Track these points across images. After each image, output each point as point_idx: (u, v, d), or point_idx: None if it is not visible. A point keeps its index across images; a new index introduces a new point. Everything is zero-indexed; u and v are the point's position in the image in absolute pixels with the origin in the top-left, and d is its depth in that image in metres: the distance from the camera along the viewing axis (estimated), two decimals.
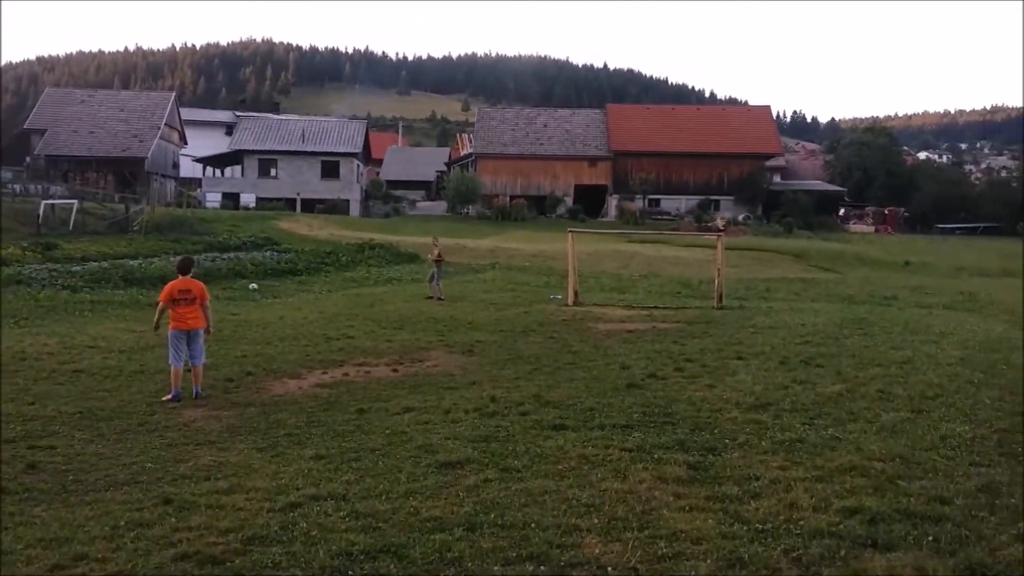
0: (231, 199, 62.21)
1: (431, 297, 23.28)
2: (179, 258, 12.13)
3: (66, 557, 5.37)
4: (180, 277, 11.18)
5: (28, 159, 60.54)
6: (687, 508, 6.10)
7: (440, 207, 69.06)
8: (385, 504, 6.28)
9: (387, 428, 8.85)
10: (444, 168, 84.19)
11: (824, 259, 44.45)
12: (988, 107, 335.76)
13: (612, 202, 67.42)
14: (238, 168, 67.37)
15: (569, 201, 66.98)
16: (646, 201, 67.40)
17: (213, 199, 62.36)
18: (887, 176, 77.66)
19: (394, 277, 30.76)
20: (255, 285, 26.39)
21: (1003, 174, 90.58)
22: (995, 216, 71.84)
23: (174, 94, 76.56)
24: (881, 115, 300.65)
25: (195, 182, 68.61)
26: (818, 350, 13.71)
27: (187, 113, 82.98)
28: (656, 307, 22.04)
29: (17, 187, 48.35)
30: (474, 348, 14.74)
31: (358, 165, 67.64)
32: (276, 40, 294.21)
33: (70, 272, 24.95)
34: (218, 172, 70.45)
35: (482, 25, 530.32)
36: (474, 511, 6.07)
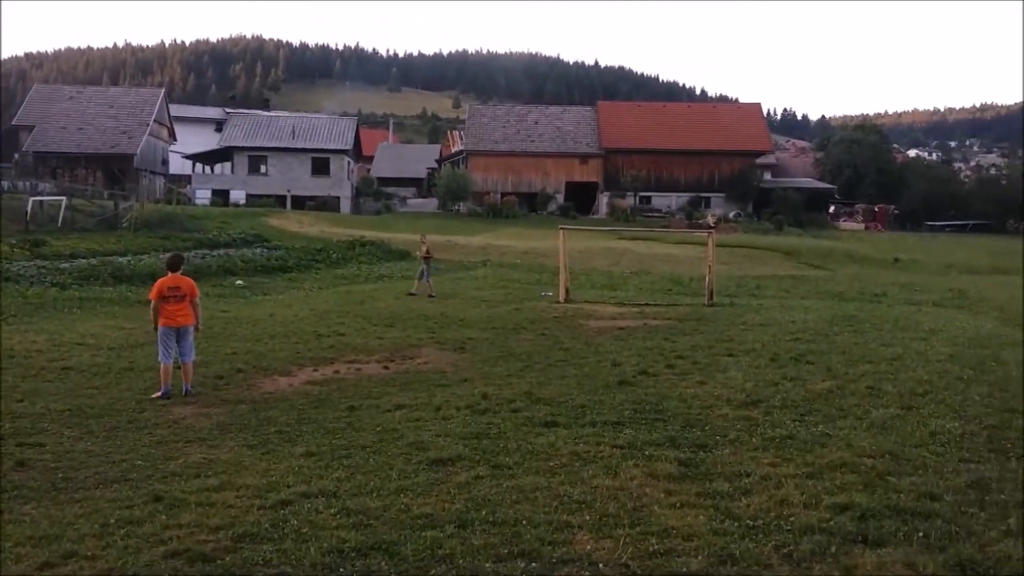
0: (221, 196, 61.97)
1: (412, 293, 23.27)
2: (169, 255, 12.08)
3: (56, 555, 5.34)
4: (170, 274, 11.12)
5: (16, 156, 60.16)
6: (678, 505, 6.10)
7: (431, 204, 69.00)
8: (376, 501, 6.27)
9: (378, 425, 8.84)
10: (435, 165, 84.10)
11: (814, 256, 44.59)
12: (978, 105, 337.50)
13: (603, 199, 67.49)
14: (228, 165, 67.13)
15: (560, 198, 67.01)
16: (637, 198, 67.51)
17: (203, 196, 62.10)
18: (877, 174, 77.99)
19: (385, 274, 30.72)
20: (241, 281, 26.31)
21: (992, 172, 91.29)
22: (984, 214, 72.21)
23: (163, 90, 76.20)
24: (871, 113, 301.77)
25: (185, 179, 68.32)
26: (808, 347, 13.74)
27: (176, 110, 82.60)
28: (647, 304, 22.07)
29: (5, 184, 47.96)
30: (465, 345, 14.74)
31: (349, 162, 67.52)
32: (266, 36, 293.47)
33: (59, 269, 24.83)
34: (208, 169, 70.16)
35: (473, 22, 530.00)
36: (465, 508, 6.07)
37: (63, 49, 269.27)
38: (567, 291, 22.83)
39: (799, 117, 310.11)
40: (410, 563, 5.14)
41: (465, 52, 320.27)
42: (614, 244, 43.38)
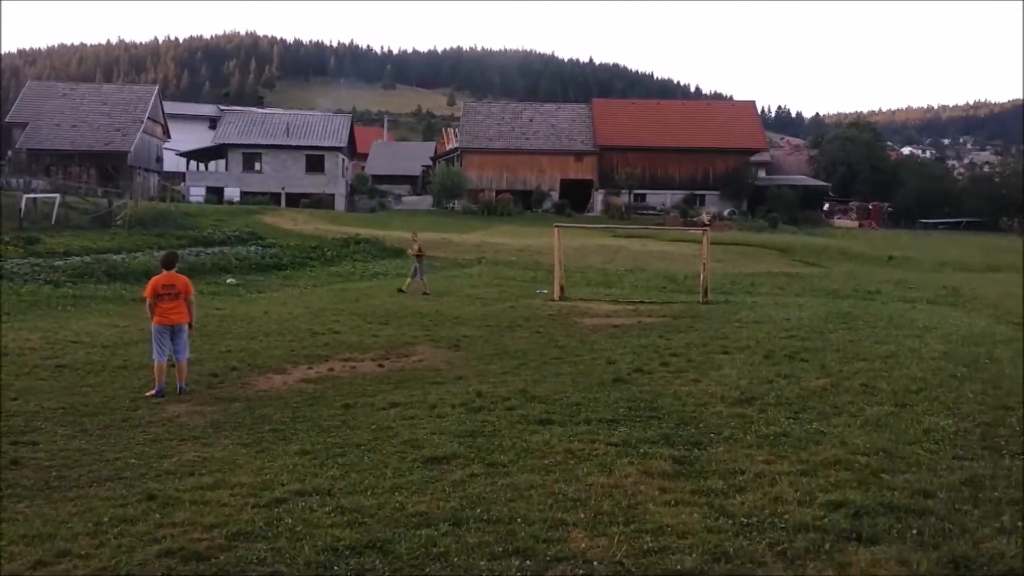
0: (215, 193, 61.81)
1: (402, 291, 23.24)
2: (163, 253, 12.06)
3: (49, 553, 5.33)
4: (164, 272, 11.10)
5: (10, 153, 59.95)
6: (672, 502, 6.11)
7: (426, 202, 68.95)
8: (370, 499, 6.27)
9: (373, 423, 8.83)
10: (430, 163, 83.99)
11: (808, 254, 44.64)
12: (971, 103, 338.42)
13: (598, 197, 67.46)
14: (222, 162, 66.98)
15: (555, 196, 66.95)
16: (632, 196, 67.51)
17: (197, 193, 61.91)
18: (871, 171, 78.16)
19: (380, 272, 30.69)
20: (232, 279, 26.25)
21: (985, 169, 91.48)
22: (978, 211, 72.45)
23: (157, 87, 75.99)
24: (865, 110, 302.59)
25: (179, 176, 68.11)
26: (803, 344, 13.77)
27: (170, 107, 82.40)
28: (642, 302, 22.09)
29: None
30: (460, 343, 14.73)
31: (343, 159, 67.40)
32: (260, 33, 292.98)
33: (52, 267, 24.76)
34: (202, 166, 70.02)
35: (467, 19, 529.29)
36: (460, 506, 6.07)
37: (56, 46, 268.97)
38: (562, 289, 22.84)
39: (793, 115, 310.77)
40: (404, 561, 5.14)
41: (460, 49, 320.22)
42: (609, 242, 43.40)
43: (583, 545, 5.35)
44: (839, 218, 72.68)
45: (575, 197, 66.33)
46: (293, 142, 65.47)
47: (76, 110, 63.58)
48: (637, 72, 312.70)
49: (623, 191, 66.96)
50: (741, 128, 71.18)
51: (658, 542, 5.35)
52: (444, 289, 24.56)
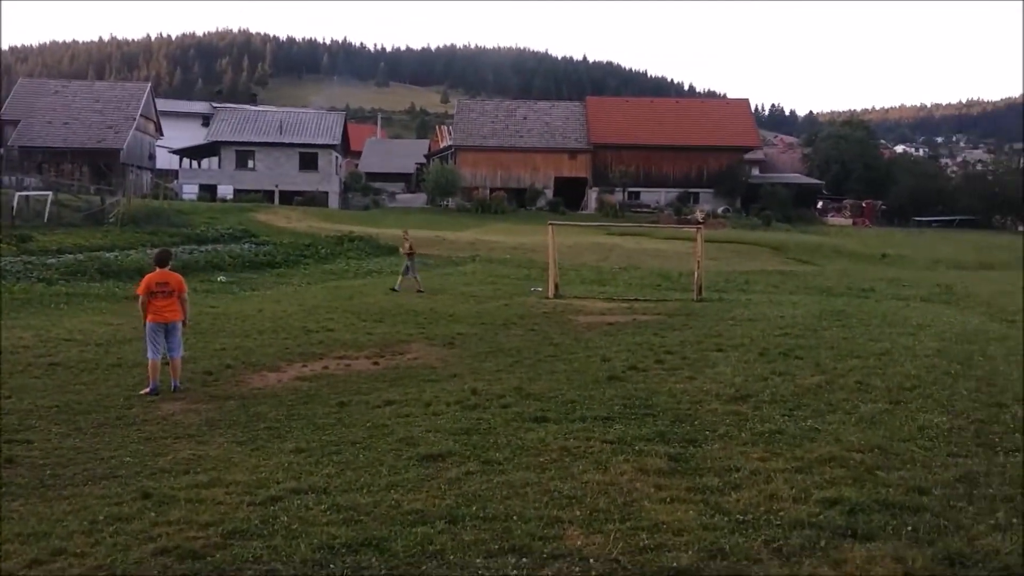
0: (208, 191, 61.72)
1: (395, 289, 23.19)
2: (157, 250, 12.00)
3: (44, 552, 5.31)
4: (157, 270, 11.06)
5: (1, 150, 59.73)
6: (668, 500, 6.11)
7: (420, 199, 68.88)
8: (366, 497, 6.26)
9: (368, 421, 8.82)
10: (423, 160, 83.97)
11: (802, 252, 44.73)
12: (964, 101, 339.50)
13: (592, 195, 67.53)
14: (215, 160, 66.83)
15: (549, 194, 67.00)
16: (626, 194, 67.58)
17: (190, 191, 61.82)
18: (864, 169, 78.21)
19: (374, 269, 30.66)
20: (223, 277, 26.17)
21: (979, 167, 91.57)
22: (971, 209, 72.56)
23: (149, 85, 75.79)
24: (859, 108, 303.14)
25: (171, 174, 67.96)
26: (797, 342, 13.80)
27: (163, 104, 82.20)
28: (636, 299, 22.11)
29: None
30: (455, 341, 14.72)
31: (337, 157, 67.32)
32: (253, 31, 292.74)
33: (45, 264, 24.67)
34: (195, 164, 69.84)
35: (461, 17, 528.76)
36: (456, 504, 6.06)
37: (48, 43, 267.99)
38: (556, 286, 22.85)
39: (787, 113, 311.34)
40: (400, 559, 5.14)
41: (453, 47, 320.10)
42: (603, 239, 43.41)
43: (579, 542, 5.35)
44: (833, 216, 72.79)
45: (569, 195, 66.37)
46: (286, 140, 65.37)
47: (68, 107, 63.37)
48: (631, 70, 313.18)
49: (617, 189, 67.02)
50: (735, 126, 71.30)
51: (654, 539, 5.35)
52: (438, 287, 24.55)
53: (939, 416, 8.50)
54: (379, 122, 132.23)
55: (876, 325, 16.28)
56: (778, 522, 5.60)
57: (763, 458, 7.13)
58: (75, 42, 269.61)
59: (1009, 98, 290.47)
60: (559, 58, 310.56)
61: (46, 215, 35.02)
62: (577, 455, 7.32)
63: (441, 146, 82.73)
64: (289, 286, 25.17)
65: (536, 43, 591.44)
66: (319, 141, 65.81)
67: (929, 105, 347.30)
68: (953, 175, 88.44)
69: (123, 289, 21.12)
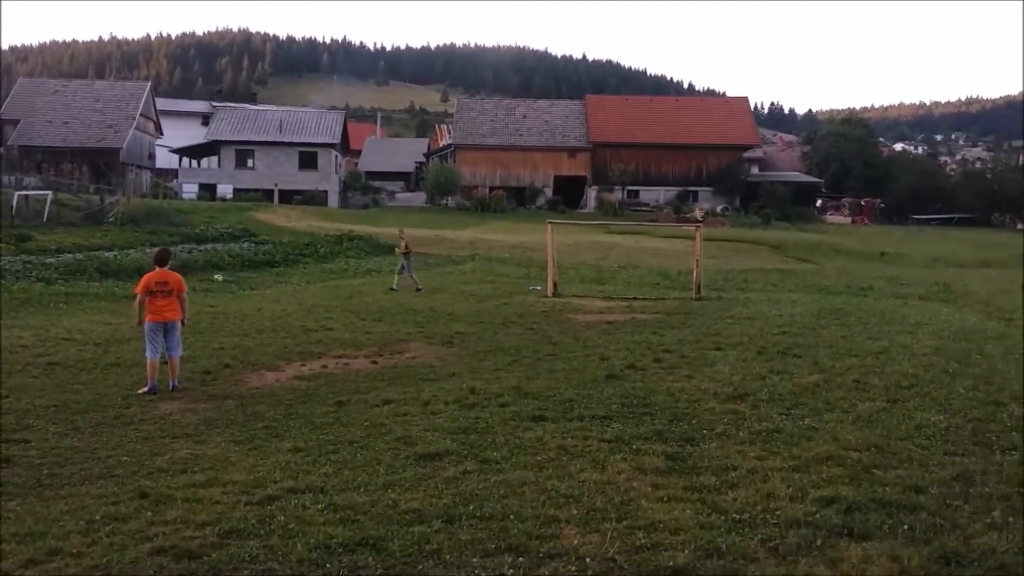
0: (208, 190, 61.66)
1: (394, 289, 23.17)
2: (156, 250, 12.00)
3: (40, 552, 5.31)
4: (157, 269, 11.07)
5: (1, 150, 59.70)
6: (665, 498, 6.12)
7: (419, 198, 68.83)
8: (363, 497, 6.26)
9: (366, 420, 8.82)
10: (423, 159, 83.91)
11: (801, 250, 44.71)
12: (963, 99, 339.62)
13: (591, 193, 67.50)
14: (215, 159, 66.75)
15: (549, 192, 66.97)
16: (625, 192, 67.55)
17: (189, 190, 61.74)
18: (864, 167, 78.17)
19: (373, 268, 30.66)
20: (219, 276, 26.15)
21: (978, 165, 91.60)
22: (970, 207, 72.56)
23: (149, 84, 75.60)
24: (858, 107, 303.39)
25: (171, 173, 67.89)
26: (795, 340, 13.80)
27: (163, 103, 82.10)
28: (635, 298, 22.11)
29: None
30: (454, 340, 14.73)
31: (336, 156, 67.27)
32: (253, 30, 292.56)
33: (44, 264, 24.66)
34: (194, 163, 69.78)
35: (461, 15, 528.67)
36: (453, 503, 6.06)
37: (48, 42, 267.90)
38: (555, 285, 22.85)
39: (786, 111, 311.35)
40: (397, 558, 5.14)
41: (453, 46, 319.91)
42: (602, 238, 43.40)
43: (576, 541, 5.35)
44: (832, 214, 72.77)
45: (568, 193, 66.33)
46: (286, 139, 65.31)
47: (68, 106, 63.30)
48: (630, 69, 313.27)
49: (616, 187, 66.98)
50: (734, 124, 71.24)
51: (651, 538, 5.35)
52: (437, 286, 24.55)
53: (936, 415, 8.50)
54: (379, 121, 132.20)
55: (874, 323, 16.28)
56: (775, 521, 5.60)
57: (760, 457, 7.13)
58: (75, 41, 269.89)
59: (1008, 96, 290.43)
60: (559, 57, 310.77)
61: (45, 214, 35.01)
62: (575, 454, 7.32)
63: (440, 145, 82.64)
64: (288, 285, 25.18)
65: (536, 42, 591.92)
66: (319, 140, 65.76)
67: (928, 103, 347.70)
68: (952, 173, 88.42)
69: (122, 288, 21.12)
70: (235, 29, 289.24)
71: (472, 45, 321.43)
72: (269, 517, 5.85)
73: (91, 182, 52.72)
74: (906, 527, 5.46)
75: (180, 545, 5.34)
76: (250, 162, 64.92)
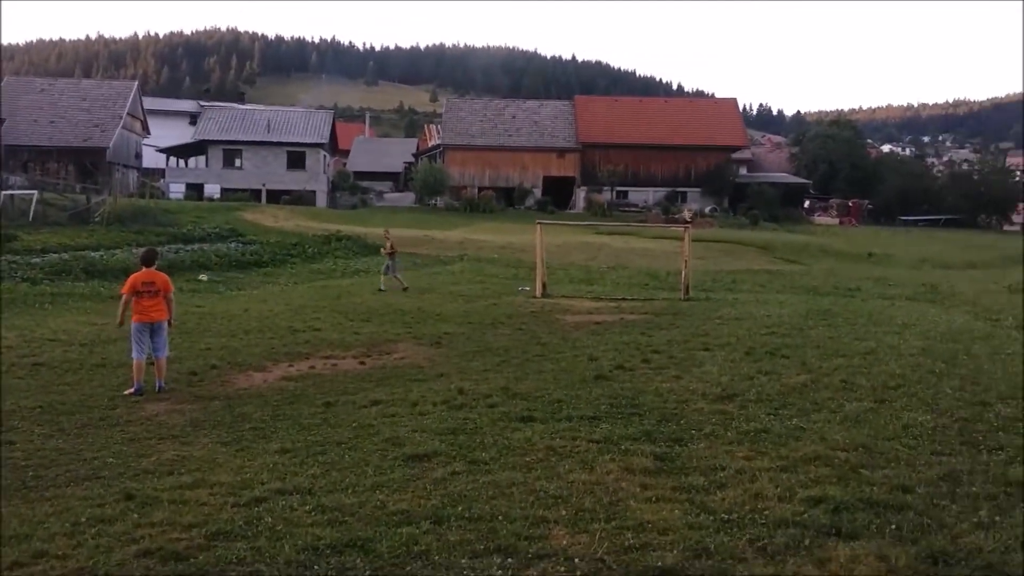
0: (195, 190, 61.40)
1: (382, 289, 23.12)
2: (143, 250, 11.94)
3: (25, 554, 5.27)
4: (144, 269, 11.01)
5: None
6: (654, 499, 6.12)
7: (408, 198, 68.74)
8: (351, 498, 6.24)
9: (354, 421, 8.80)
10: (412, 159, 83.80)
11: (789, 251, 44.84)
12: (951, 101, 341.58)
13: (580, 194, 67.55)
14: (202, 158, 66.46)
15: (538, 193, 66.99)
16: (614, 193, 67.62)
17: (177, 190, 61.47)
18: (851, 169, 78.49)
19: (361, 269, 30.58)
20: (204, 276, 26.02)
21: (965, 167, 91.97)
22: (957, 208, 72.93)
23: (137, 83, 75.21)
24: (846, 108, 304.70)
25: (158, 172, 67.60)
26: (783, 341, 13.84)
27: (150, 102, 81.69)
28: (624, 299, 22.13)
29: None
30: (442, 340, 14.70)
31: (325, 156, 67.11)
32: (241, 29, 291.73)
33: (30, 264, 24.49)
34: (182, 162, 69.44)
35: (450, 16, 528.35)
36: (441, 504, 6.05)
37: (34, 41, 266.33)
38: (544, 286, 22.85)
39: (774, 112, 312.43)
40: (385, 560, 5.12)
41: (442, 46, 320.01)
42: (591, 239, 43.42)
43: (564, 542, 5.35)
44: (819, 215, 73.06)
45: (557, 194, 66.38)
46: (274, 138, 65.10)
47: (54, 106, 62.89)
48: (619, 69, 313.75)
49: (605, 188, 67.05)
50: (723, 126, 71.42)
51: (639, 538, 5.36)
52: (426, 286, 24.51)
53: (923, 415, 8.54)
54: (367, 121, 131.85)
55: (862, 324, 16.34)
56: (763, 521, 5.61)
57: (748, 457, 7.15)
58: (62, 40, 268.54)
59: (995, 98, 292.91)
60: (548, 57, 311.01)
61: (31, 214, 34.79)
62: (563, 455, 7.32)
63: (429, 145, 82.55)
64: (276, 285, 25.09)
65: (525, 42, 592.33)
66: (307, 140, 65.58)
67: (916, 105, 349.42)
68: (939, 175, 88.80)
69: (108, 289, 21.00)
70: (223, 28, 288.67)
71: (461, 45, 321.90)
72: (256, 519, 5.82)
73: (77, 182, 52.44)
74: (893, 527, 5.48)
75: (167, 547, 5.31)
76: (238, 162, 64.68)
